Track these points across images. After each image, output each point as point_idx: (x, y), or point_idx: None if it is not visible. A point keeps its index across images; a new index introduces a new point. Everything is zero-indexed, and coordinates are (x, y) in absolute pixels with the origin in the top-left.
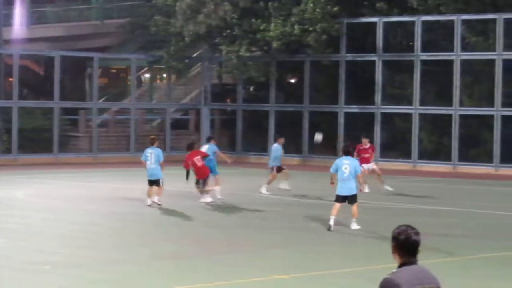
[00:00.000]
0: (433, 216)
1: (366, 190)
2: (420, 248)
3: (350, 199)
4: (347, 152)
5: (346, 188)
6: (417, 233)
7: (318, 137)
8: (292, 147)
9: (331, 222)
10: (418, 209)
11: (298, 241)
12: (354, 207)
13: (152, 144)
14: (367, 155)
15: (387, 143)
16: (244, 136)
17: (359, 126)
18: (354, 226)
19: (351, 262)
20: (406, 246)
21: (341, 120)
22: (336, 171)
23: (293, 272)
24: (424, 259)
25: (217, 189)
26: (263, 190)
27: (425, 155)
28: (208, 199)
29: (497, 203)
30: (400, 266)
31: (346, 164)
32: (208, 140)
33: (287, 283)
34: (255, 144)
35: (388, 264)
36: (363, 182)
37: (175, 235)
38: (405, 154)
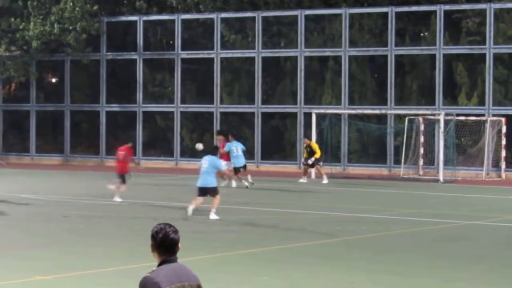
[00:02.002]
0: (195, 213)
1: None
2: (179, 246)
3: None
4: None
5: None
6: (175, 231)
7: (199, 146)
8: (53, 146)
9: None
10: (181, 206)
11: (60, 241)
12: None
13: None
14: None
15: (149, 142)
16: (4, 137)
17: (121, 125)
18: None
19: (114, 261)
20: (164, 245)
21: (102, 119)
22: None
23: (55, 273)
24: (185, 257)
25: None
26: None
27: (186, 153)
28: None
29: (261, 199)
30: (160, 264)
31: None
32: None
33: (49, 284)
34: (16, 144)
35: (151, 262)
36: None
37: None
38: (167, 152)
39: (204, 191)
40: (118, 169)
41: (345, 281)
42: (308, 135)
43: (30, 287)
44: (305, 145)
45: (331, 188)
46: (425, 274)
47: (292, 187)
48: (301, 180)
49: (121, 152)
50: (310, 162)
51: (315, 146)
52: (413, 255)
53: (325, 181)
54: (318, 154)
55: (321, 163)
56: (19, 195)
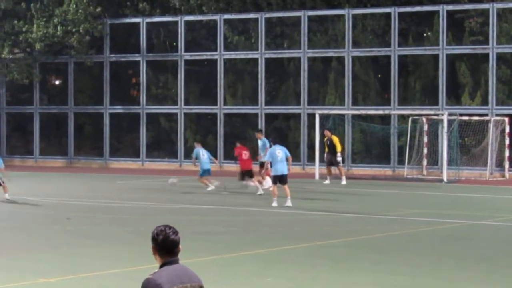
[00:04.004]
0: (197, 215)
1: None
2: (180, 247)
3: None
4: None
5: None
6: (175, 233)
7: (174, 180)
8: (57, 148)
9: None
10: (183, 208)
11: (65, 244)
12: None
13: None
14: None
15: (153, 143)
16: (8, 139)
17: (125, 127)
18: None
19: (117, 262)
20: (165, 246)
21: (106, 121)
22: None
23: (59, 275)
24: (188, 258)
25: None
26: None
27: (190, 155)
28: None
29: (265, 200)
30: (162, 266)
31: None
32: None
33: (53, 286)
34: (20, 147)
35: (153, 264)
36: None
37: None
38: (171, 154)
39: (280, 179)
40: (244, 166)
41: (349, 281)
42: (330, 129)
43: None
44: (325, 138)
45: (335, 188)
46: (430, 274)
47: (296, 188)
48: (326, 182)
49: (245, 151)
50: (339, 159)
51: (336, 140)
52: (418, 255)
53: (344, 181)
54: (339, 148)
55: (340, 162)
56: (23, 197)
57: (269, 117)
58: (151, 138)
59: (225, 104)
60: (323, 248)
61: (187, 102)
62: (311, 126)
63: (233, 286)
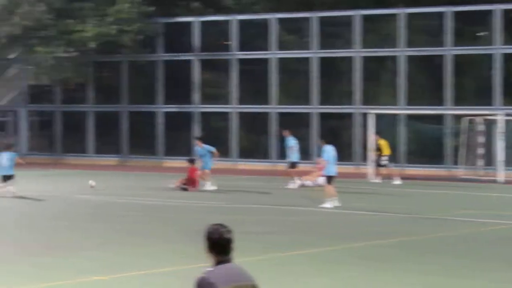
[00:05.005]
0: (250, 214)
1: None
2: (233, 246)
3: None
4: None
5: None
6: (229, 231)
7: (92, 183)
8: (110, 147)
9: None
10: (236, 207)
11: (116, 242)
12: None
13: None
14: None
15: (206, 142)
16: (63, 137)
17: (178, 126)
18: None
19: (168, 261)
20: (218, 245)
21: (159, 119)
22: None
23: (112, 273)
24: (241, 257)
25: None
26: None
27: (243, 154)
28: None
29: (317, 199)
30: (215, 265)
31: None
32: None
33: (106, 284)
34: (74, 145)
35: (203, 263)
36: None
37: None
38: (224, 153)
39: (332, 179)
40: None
41: (401, 282)
42: (378, 132)
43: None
44: (377, 141)
45: (388, 189)
46: (482, 276)
47: (349, 187)
48: (376, 181)
49: None
50: (384, 163)
51: (383, 143)
52: (471, 256)
53: (397, 181)
54: (385, 152)
55: (387, 163)
56: (76, 195)
57: (322, 117)
58: (204, 137)
59: (278, 103)
60: (375, 249)
61: (240, 101)
62: (364, 126)
63: (285, 285)
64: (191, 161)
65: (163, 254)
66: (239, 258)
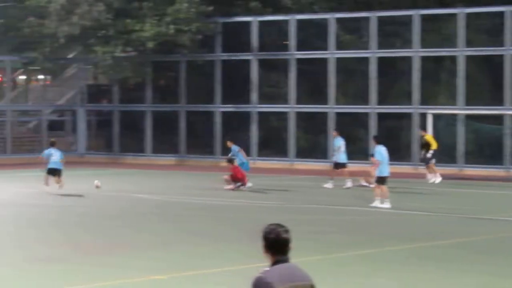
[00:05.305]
0: (307, 214)
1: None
2: (291, 245)
3: None
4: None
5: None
6: (286, 231)
7: (98, 183)
8: (168, 146)
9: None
10: (292, 207)
11: (175, 242)
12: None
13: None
14: None
15: (263, 142)
16: (120, 137)
17: (236, 125)
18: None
19: (226, 261)
20: (276, 245)
21: (217, 119)
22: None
23: (170, 272)
24: (297, 257)
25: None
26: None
27: (301, 154)
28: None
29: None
30: (272, 264)
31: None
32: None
33: (164, 284)
34: (132, 144)
35: (262, 262)
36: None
37: (51, 236)
38: (282, 152)
39: (385, 180)
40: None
41: (457, 283)
42: (424, 129)
43: (146, 287)
44: (421, 136)
45: (446, 189)
46: None
47: (406, 187)
48: (430, 178)
49: None
50: (429, 155)
51: (430, 137)
52: None
53: (438, 179)
54: (433, 146)
55: (433, 161)
56: (135, 195)
57: (380, 117)
58: (261, 137)
59: (336, 103)
60: (431, 249)
61: (298, 101)
62: (423, 126)
63: (341, 286)
64: (231, 161)
65: (223, 253)
66: (297, 258)
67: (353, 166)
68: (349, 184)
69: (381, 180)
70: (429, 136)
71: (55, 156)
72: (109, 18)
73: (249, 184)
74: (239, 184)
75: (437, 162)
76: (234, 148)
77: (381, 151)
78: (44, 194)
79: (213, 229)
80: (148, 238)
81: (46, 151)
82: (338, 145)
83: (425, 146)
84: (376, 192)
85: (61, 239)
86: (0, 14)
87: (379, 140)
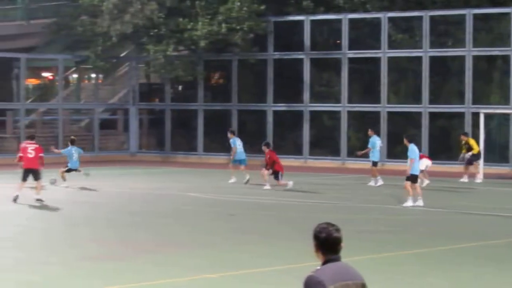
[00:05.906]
0: (359, 213)
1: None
2: (342, 244)
3: None
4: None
5: None
6: (338, 230)
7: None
8: (220, 145)
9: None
10: (344, 206)
11: (226, 240)
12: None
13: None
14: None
15: (315, 141)
16: (172, 136)
17: (288, 124)
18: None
19: (277, 260)
20: (327, 244)
21: (269, 118)
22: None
23: (221, 271)
24: (350, 256)
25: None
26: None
27: (353, 153)
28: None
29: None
30: (324, 263)
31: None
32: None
33: (215, 282)
34: (183, 143)
35: (313, 261)
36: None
37: (102, 235)
38: (334, 151)
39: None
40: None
41: (508, 283)
42: (466, 133)
43: (197, 285)
44: (463, 142)
45: (499, 189)
46: None
47: (457, 187)
48: (462, 180)
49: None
50: (467, 156)
51: (473, 142)
52: None
53: (479, 180)
54: (475, 149)
55: (478, 162)
56: (186, 193)
57: (433, 116)
58: (313, 136)
59: (388, 102)
60: (484, 248)
61: (349, 100)
62: (475, 125)
63: (393, 285)
64: (267, 145)
65: (275, 252)
66: (348, 257)
67: (402, 165)
68: (374, 182)
69: (415, 179)
70: (472, 140)
71: (75, 156)
72: (161, 16)
73: (247, 177)
74: (280, 174)
75: (488, 162)
76: (233, 140)
77: (414, 149)
78: (96, 192)
79: (264, 228)
80: (200, 237)
81: (67, 150)
82: (374, 143)
83: (468, 149)
84: (409, 191)
85: (113, 238)
86: (53, 13)
87: (411, 139)
